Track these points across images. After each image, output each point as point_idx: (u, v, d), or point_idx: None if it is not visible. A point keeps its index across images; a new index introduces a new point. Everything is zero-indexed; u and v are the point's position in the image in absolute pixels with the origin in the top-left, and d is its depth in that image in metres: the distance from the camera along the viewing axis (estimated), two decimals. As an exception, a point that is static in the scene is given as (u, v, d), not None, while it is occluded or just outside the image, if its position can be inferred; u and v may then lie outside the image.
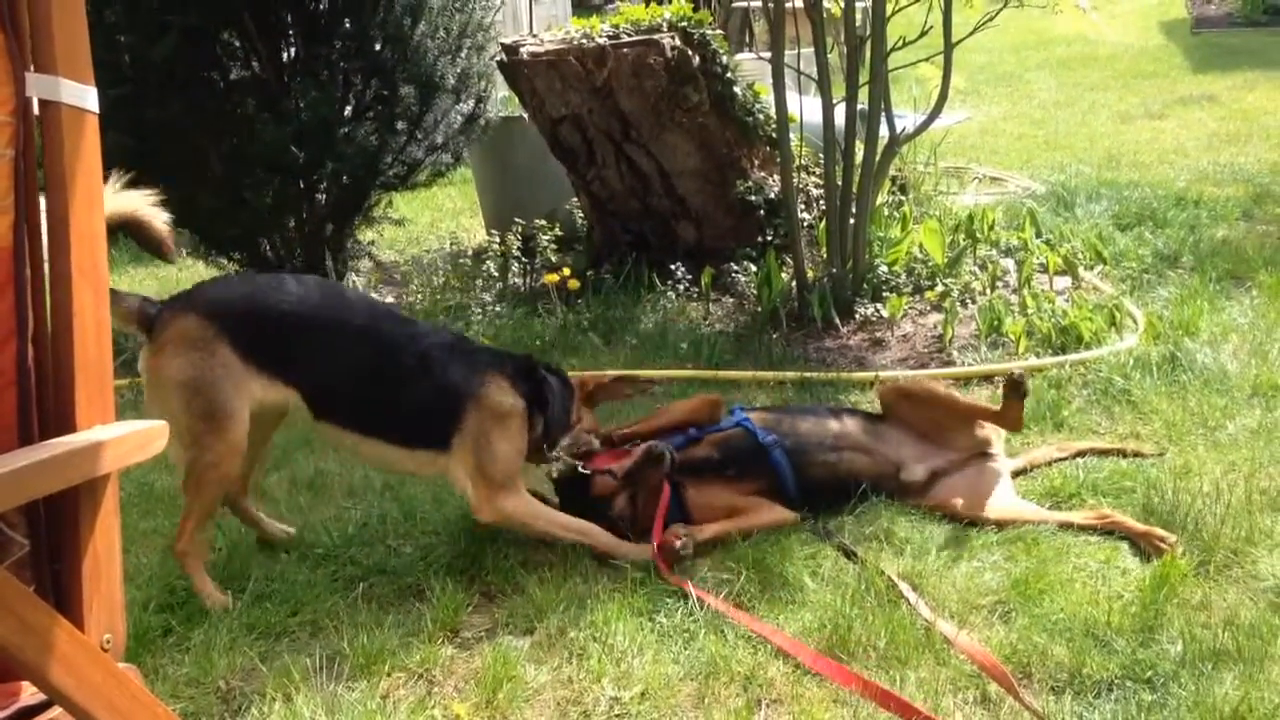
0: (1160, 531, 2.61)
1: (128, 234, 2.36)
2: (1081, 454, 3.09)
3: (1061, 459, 3.08)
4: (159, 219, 2.36)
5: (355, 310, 2.67)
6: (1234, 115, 8.10)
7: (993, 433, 3.02)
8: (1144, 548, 2.59)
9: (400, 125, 4.75)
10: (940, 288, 4.42)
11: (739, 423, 2.93)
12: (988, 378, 3.75)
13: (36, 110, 1.42)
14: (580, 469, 2.81)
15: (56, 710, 1.42)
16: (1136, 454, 3.07)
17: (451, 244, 6.16)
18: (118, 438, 1.43)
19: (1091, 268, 4.74)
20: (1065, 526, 2.70)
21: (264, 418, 2.62)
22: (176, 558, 2.58)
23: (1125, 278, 4.62)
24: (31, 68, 1.41)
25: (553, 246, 5.00)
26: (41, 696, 1.42)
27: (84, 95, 1.44)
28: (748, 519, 2.78)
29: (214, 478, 2.51)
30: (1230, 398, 3.37)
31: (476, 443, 2.61)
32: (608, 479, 2.81)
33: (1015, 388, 2.89)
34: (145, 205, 2.34)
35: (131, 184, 2.27)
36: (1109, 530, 2.67)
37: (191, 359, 2.45)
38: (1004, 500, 2.82)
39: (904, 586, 2.44)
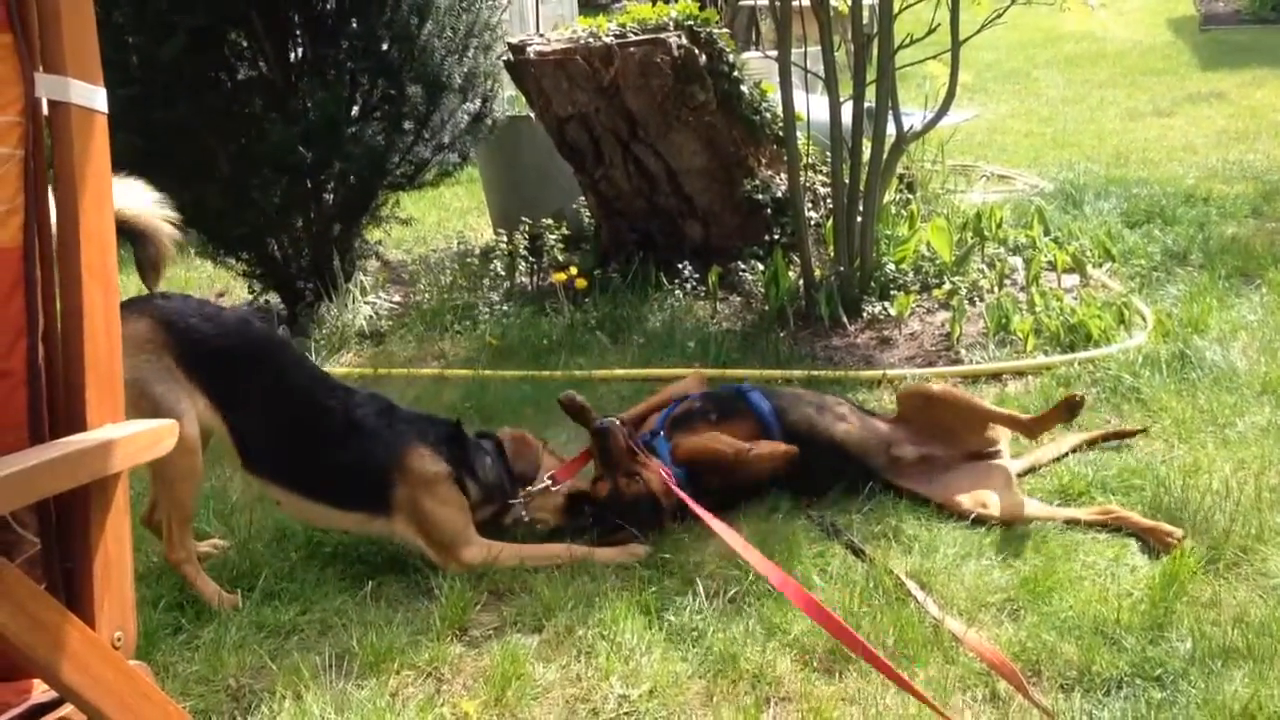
0: (1166, 526, 2.61)
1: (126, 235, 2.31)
2: (1077, 448, 3.10)
3: (1061, 456, 3.08)
4: (164, 235, 2.31)
5: (302, 369, 2.75)
6: (1243, 112, 8.06)
7: (1000, 433, 3.02)
8: (1151, 543, 2.59)
9: (407, 125, 4.75)
10: (948, 286, 4.41)
11: (722, 387, 3.18)
12: (996, 376, 3.75)
13: (46, 111, 1.43)
14: (553, 489, 2.85)
15: (68, 708, 1.43)
16: (1121, 434, 3.14)
17: (459, 243, 6.17)
18: (128, 436, 1.44)
19: (1100, 265, 4.72)
20: (1071, 523, 2.70)
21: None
22: (173, 567, 2.58)
23: (1134, 275, 4.61)
24: (40, 68, 1.41)
25: (560, 245, 5.00)
26: (53, 694, 1.43)
27: (93, 96, 1.45)
28: (746, 445, 2.85)
29: (176, 473, 2.50)
30: (1240, 395, 3.36)
31: (415, 515, 2.66)
32: (601, 481, 2.83)
33: (1072, 409, 2.91)
34: (161, 222, 2.30)
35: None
36: (1116, 526, 2.67)
37: (138, 360, 2.43)
38: (1009, 498, 2.82)
39: (912, 585, 2.44)
